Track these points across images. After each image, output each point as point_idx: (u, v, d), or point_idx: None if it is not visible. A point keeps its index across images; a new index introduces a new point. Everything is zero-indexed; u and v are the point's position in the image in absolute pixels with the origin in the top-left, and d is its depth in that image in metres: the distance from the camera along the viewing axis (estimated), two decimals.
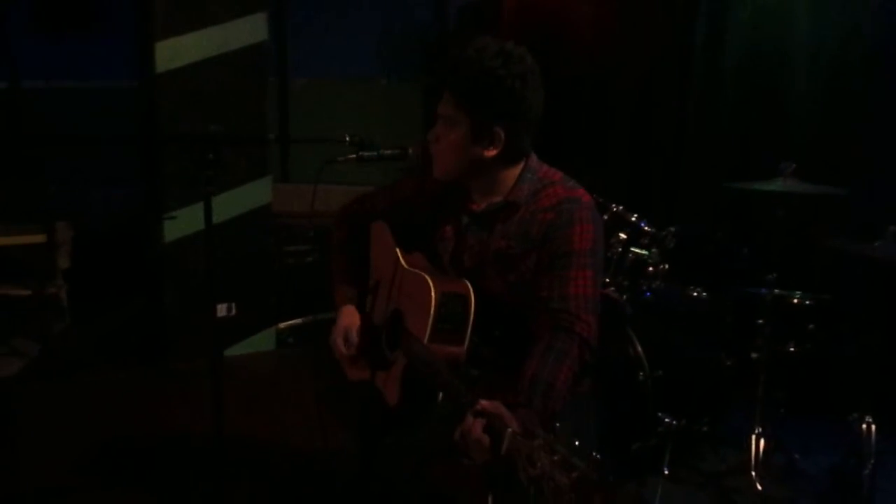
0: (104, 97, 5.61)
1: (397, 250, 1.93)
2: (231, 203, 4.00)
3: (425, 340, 1.68)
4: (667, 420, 2.69)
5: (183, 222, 3.85)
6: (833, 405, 2.85)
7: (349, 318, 1.97)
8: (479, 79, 1.69)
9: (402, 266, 1.89)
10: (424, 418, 1.79)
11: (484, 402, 1.47)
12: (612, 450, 2.69)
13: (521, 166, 1.80)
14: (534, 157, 1.82)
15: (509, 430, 1.38)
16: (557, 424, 1.52)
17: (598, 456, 1.28)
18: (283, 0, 5.48)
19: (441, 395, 1.64)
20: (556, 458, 1.27)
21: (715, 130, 3.76)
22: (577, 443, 1.31)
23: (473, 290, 1.72)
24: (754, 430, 2.76)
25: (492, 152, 1.74)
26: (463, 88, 1.72)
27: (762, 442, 2.74)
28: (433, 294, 1.69)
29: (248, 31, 3.99)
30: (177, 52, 3.83)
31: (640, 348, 2.68)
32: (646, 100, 4.05)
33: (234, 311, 4.04)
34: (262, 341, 4.19)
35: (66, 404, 3.51)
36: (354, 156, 1.85)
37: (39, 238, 4.07)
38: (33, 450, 3.03)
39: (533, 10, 4.63)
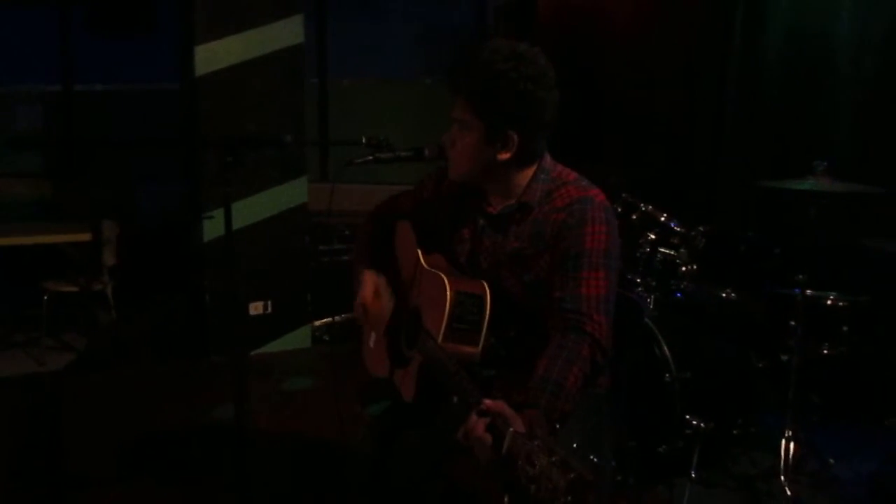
0: (151, 99, 5.79)
1: (418, 250, 1.96)
2: (268, 202, 4.08)
3: (440, 339, 1.69)
4: (695, 422, 2.65)
5: (221, 221, 3.94)
6: (869, 410, 2.76)
7: (374, 277, 1.99)
8: (491, 82, 1.68)
9: (422, 265, 1.91)
10: (442, 415, 1.81)
11: (488, 402, 1.48)
12: (637, 451, 2.67)
13: (534, 168, 1.80)
14: (548, 158, 1.82)
15: (511, 429, 1.40)
16: (558, 426, 1.51)
17: (595, 459, 1.28)
18: (324, 2, 5.56)
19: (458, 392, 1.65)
20: (554, 458, 1.28)
21: (753, 128, 3.69)
22: (575, 445, 1.31)
23: (490, 290, 1.73)
24: (785, 433, 2.70)
25: (505, 155, 1.75)
26: (475, 93, 1.71)
27: (793, 446, 2.67)
28: (448, 293, 1.70)
29: (286, 33, 4.07)
30: (216, 55, 3.93)
31: (666, 349, 2.65)
32: (683, 98, 4.00)
33: (269, 309, 4.12)
34: (297, 339, 4.27)
35: (110, 396, 3.64)
36: (371, 157, 1.87)
37: (86, 236, 4.21)
38: (79, 438, 3.15)
39: (569, 9, 4.62)
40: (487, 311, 1.70)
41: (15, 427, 3.28)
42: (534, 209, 1.77)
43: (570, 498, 1.25)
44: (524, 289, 1.79)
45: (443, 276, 1.76)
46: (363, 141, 1.88)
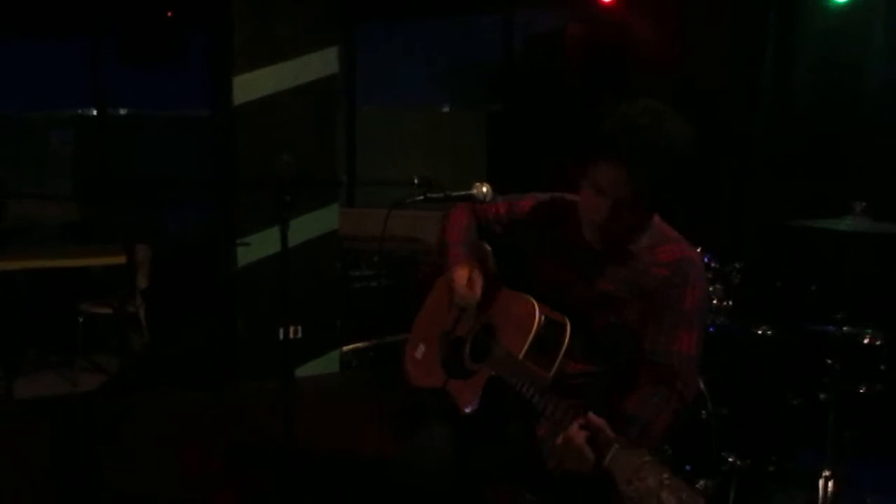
0: (184, 125, 5.90)
1: (496, 273, 2.00)
2: (299, 229, 4.13)
3: (520, 356, 1.76)
4: (731, 459, 2.66)
5: (255, 248, 4.01)
6: None
7: (471, 265, 1.97)
8: (664, 154, 1.61)
9: (502, 286, 1.96)
10: (493, 437, 1.85)
11: (592, 416, 1.53)
12: None
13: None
14: (656, 215, 1.80)
15: (616, 445, 1.44)
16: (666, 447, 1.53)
17: (703, 487, 1.30)
18: (354, 33, 5.67)
19: (536, 408, 1.67)
20: (665, 476, 1.31)
21: (781, 164, 3.71)
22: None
23: (571, 324, 1.78)
24: (823, 471, 2.69)
25: (647, 216, 1.74)
26: (645, 165, 1.61)
27: (831, 484, 2.67)
28: (537, 315, 1.78)
29: (321, 64, 4.16)
30: (253, 85, 4.02)
31: (702, 385, 2.66)
32: (711, 130, 4.02)
33: (300, 334, 4.17)
34: (326, 364, 4.31)
35: (143, 418, 3.68)
36: (422, 197, 1.92)
37: (120, 259, 4.28)
38: (113, 459, 3.19)
39: (596, 39, 4.67)
40: (566, 342, 1.76)
41: (49, 448, 3.33)
42: (637, 258, 1.77)
43: None
44: (608, 328, 1.80)
45: (532, 299, 1.83)
46: (415, 181, 1.93)
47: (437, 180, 1.97)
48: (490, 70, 5.59)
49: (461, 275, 1.97)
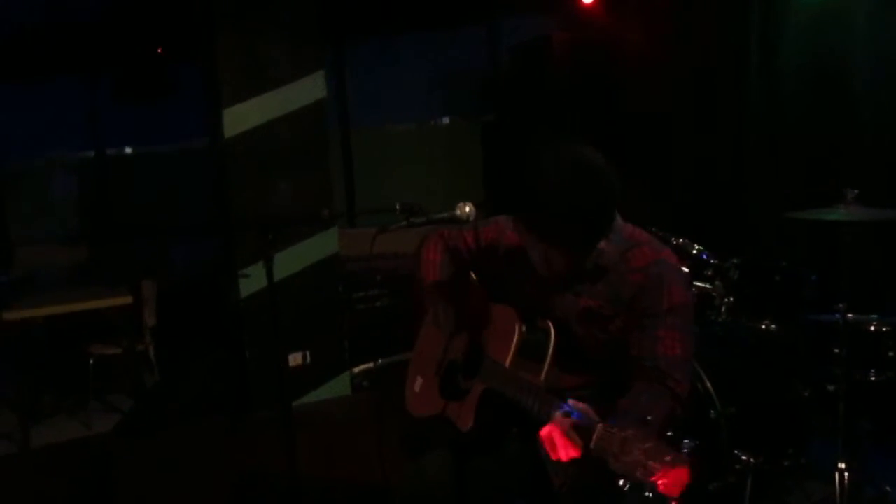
0: (183, 158, 5.94)
1: (481, 290, 2.01)
2: (300, 256, 4.16)
3: (507, 365, 1.77)
4: (744, 457, 2.63)
5: (256, 279, 4.03)
6: None
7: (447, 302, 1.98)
8: (575, 222, 1.65)
9: (487, 302, 1.96)
10: (493, 453, 1.85)
11: (573, 401, 1.55)
12: (688, 489, 2.64)
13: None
14: (618, 219, 1.81)
15: (599, 424, 1.45)
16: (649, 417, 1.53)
17: (690, 443, 1.31)
18: (341, 55, 5.70)
19: (515, 423, 1.68)
20: (647, 445, 1.33)
21: (773, 158, 3.68)
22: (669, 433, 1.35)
23: (555, 330, 1.78)
24: (838, 462, 2.66)
25: (571, 253, 1.75)
26: (561, 236, 1.68)
27: (847, 475, 2.63)
28: (517, 324, 1.80)
29: (308, 90, 4.18)
30: (242, 116, 4.04)
31: (709, 384, 2.64)
32: (701, 130, 4.01)
33: (308, 360, 4.17)
34: (336, 387, 4.31)
35: (159, 456, 3.71)
36: (405, 223, 1.93)
37: (127, 299, 4.31)
38: (132, 500, 3.20)
39: (583, 44, 4.67)
40: (552, 346, 1.77)
41: (67, 493, 3.34)
42: (609, 270, 1.78)
43: (666, 482, 1.29)
44: (595, 343, 1.82)
45: (512, 308, 1.85)
46: (397, 208, 1.93)
47: (418, 205, 1.98)
48: (480, 81, 5.61)
49: (448, 311, 1.99)
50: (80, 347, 4.35)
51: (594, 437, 1.45)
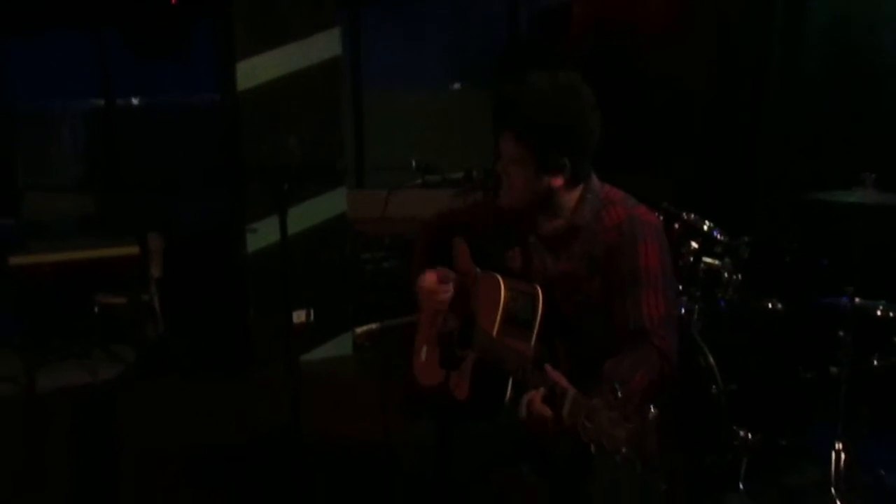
0: (193, 112, 5.90)
1: (472, 261, 2.02)
2: (308, 213, 4.15)
3: (494, 333, 1.78)
4: (742, 434, 2.64)
5: (264, 234, 4.03)
6: None
7: (438, 269, 2.04)
8: (539, 115, 1.72)
9: (477, 271, 1.97)
10: (492, 421, 1.86)
11: (548, 367, 1.57)
12: (685, 464, 2.67)
13: (582, 188, 1.83)
14: (594, 179, 1.85)
15: (570, 392, 1.48)
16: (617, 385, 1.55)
17: (655, 409, 1.33)
18: (357, 13, 5.62)
19: (509, 391, 1.71)
20: (612, 413, 1.35)
21: (791, 135, 3.64)
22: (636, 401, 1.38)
23: (543, 295, 1.79)
24: (836, 444, 2.67)
25: (559, 182, 1.78)
26: (524, 127, 1.75)
27: (843, 457, 2.65)
28: (503, 290, 1.80)
29: (324, 46, 4.13)
30: (256, 70, 4.00)
31: (712, 360, 2.64)
32: (720, 103, 3.96)
33: (312, 318, 4.19)
34: (339, 346, 4.33)
35: (162, 405, 3.74)
36: (420, 181, 1.92)
37: (133, 250, 4.31)
38: (134, 447, 3.24)
39: (603, 14, 4.59)
40: (540, 311, 1.77)
41: (70, 437, 3.39)
42: (583, 230, 1.80)
43: (630, 448, 1.32)
44: (576, 308, 1.82)
45: (497, 275, 1.86)
46: (413, 164, 1.92)
47: (434, 163, 1.97)
48: (497, 48, 5.54)
49: (430, 277, 2.01)
50: (86, 296, 4.37)
51: (565, 408, 1.47)
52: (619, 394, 1.42)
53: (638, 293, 1.71)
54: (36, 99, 5.92)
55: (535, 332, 1.76)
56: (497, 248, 1.97)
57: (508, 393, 1.71)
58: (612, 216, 1.78)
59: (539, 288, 1.80)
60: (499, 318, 1.78)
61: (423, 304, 2.10)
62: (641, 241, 1.73)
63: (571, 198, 1.82)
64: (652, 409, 1.35)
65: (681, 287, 2.95)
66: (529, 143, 1.75)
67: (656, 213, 1.85)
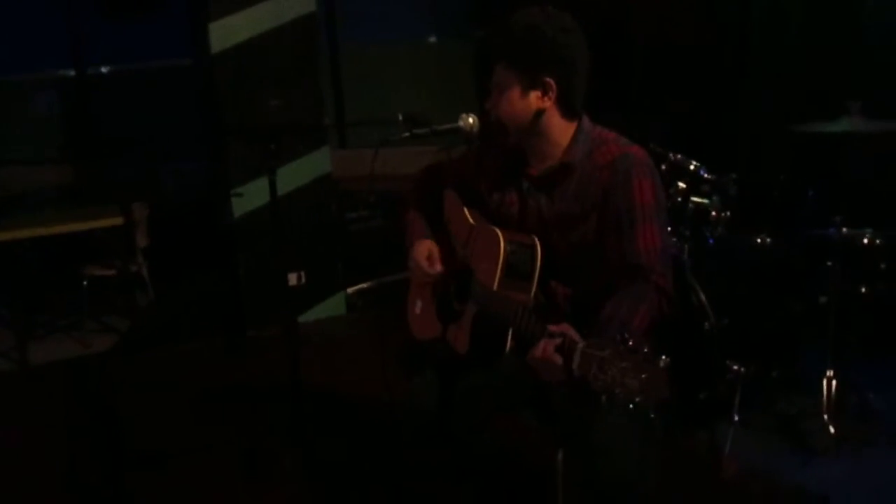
0: (169, 76, 5.78)
1: (467, 214, 2.01)
2: (292, 175, 4.11)
3: (494, 287, 1.78)
4: (735, 367, 2.69)
5: (249, 198, 3.99)
6: None
7: (427, 242, 2.05)
8: (522, 33, 1.76)
9: (472, 225, 1.97)
10: (492, 371, 1.88)
11: (552, 327, 1.58)
12: (679, 398, 2.72)
13: (574, 127, 1.83)
14: (586, 119, 1.85)
15: (579, 344, 1.49)
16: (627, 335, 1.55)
17: (667, 359, 1.36)
18: None
19: (509, 341, 1.73)
20: (624, 364, 1.37)
21: (776, 70, 3.62)
22: (645, 350, 1.40)
23: (540, 243, 1.80)
24: (826, 372, 2.74)
25: (546, 102, 1.78)
26: (508, 47, 1.78)
27: (834, 384, 2.71)
28: (502, 243, 1.80)
29: (298, 2, 4.04)
30: (230, 31, 3.91)
31: (703, 297, 2.68)
32: (706, 39, 3.92)
33: (304, 280, 4.19)
34: (332, 307, 4.34)
35: (157, 374, 3.74)
36: (408, 134, 1.90)
37: (117, 220, 4.26)
38: (127, 417, 3.24)
39: None
40: (539, 261, 1.79)
41: (67, 409, 3.39)
42: (576, 168, 1.80)
43: (643, 397, 1.34)
44: (572, 249, 1.83)
45: (496, 229, 1.85)
46: (399, 118, 1.90)
47: (422, 115, 1.94)
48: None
49: (420, 252, 2.01)
50: (74, 269, 4.33)
51: (575, 360, 1.49)
52: (630, 342, 1.44)
53: (634, 229, 1.73)
54: (5, 71, 5.77)
55: (535, 282, 1.78)
56: (491, 195, 1.96)
57: (509, 343, 1.73)
58: (604, 154, 1.79)
59: (536, 239, 1.81)
60: (499, 271, 1.78)
61: (413, 271, 2.10)
62: (636, 178, 1.74)
63: (564, 136, 1.82)
64: (663, 358, 1.36)
65: (670, 227, 2.97)
66: (515, 63, 1.77)
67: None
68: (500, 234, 1.82)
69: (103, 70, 6.04)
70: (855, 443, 2.67)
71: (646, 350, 1.39)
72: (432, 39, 5.88)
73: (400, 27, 5.78)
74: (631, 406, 1.37)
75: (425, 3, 5.69)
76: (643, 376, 1.34)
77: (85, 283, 4.28)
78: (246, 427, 3.11)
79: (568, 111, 1.81)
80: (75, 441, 3.07)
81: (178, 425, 3.16)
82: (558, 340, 1.56)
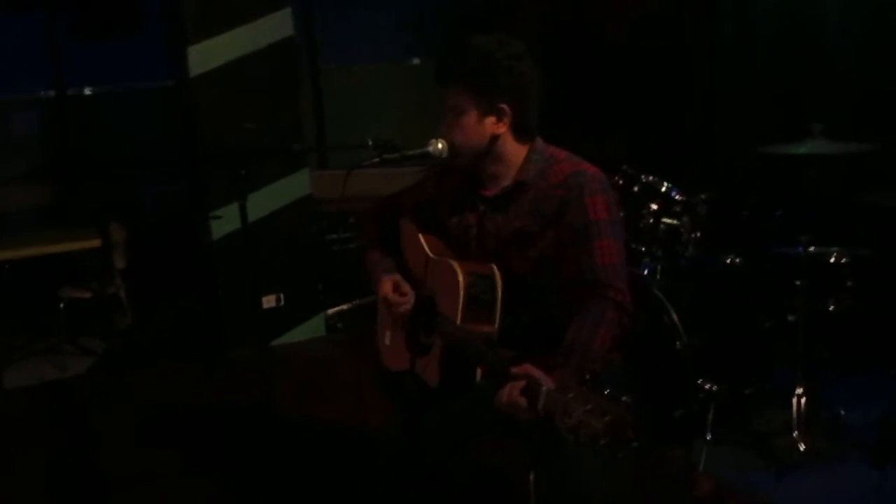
0: (148, 98, 5.78)
1: (423, 244, 2.03)
2: (271, 197, 4.12)
3: (458, 321, 1.79)
4: (707, 385, 2.73)
5: (228, 220, 3.99)
6: (876, 360, 2.84)
7: (392, 277, 2.06)
8: (478, 62, 1.80)
9: (431, 257, 1.98)
10: (465, 397, 1.88)
11: (515, 368, 1.59)
12: (654, 419, 2.75)
13: (527, 148, 1.88)
14: (539, 140, 1.91)
15: (543, 388, 1.50)
16: (588, 377, 1.57)
17: (627, 399, 1.38)
18: None
19: (479, 373, 1.74)
20: (588, 407, 1.38)
21: (744, 97, 3.71)
22: (607, 391, 1.40)
23: (500, 272, 1.81)
24: (797, 389, 2.78)
25: (501, 128, 1.84)
26: (465, 74, 1.82)
27: (805, 400, 2.75)
28: (460, 276, 1.80)
29: (275, 27, 4.07)
30: (209, 54, 3.93)
31: (675, 317, 2.72)
32: (676, 66, 4.01)
33: (282, 302, 4.18)
34: (311, 328, 4.33)
35: (135, 396, 3.72)
36: (378, 160, 1.93)
37: (95, 241, 4.25)
38: (108, 440, 3.23)
39: None
40: (499, 290, 1.79)
41: (44, 434, 3.36)
42: (530, 186, 1.85)
43: (609, 439, 1.34)
44: (532, 266, 1.86)
45: (453, 262, 1.86)
46: (369, 143, 1.93)
47: (390, 141, 1.98)
48: (453, 19, 5.50)
49: (386, 288, 2.02)
50: (50, 291, 4.31)
51: (540, 401, 1.51)
52: (592, 375, 1.47)
53: (591, 245, 1.76)
54: None
55: (498, 312, 1.79)
56: (451, 218, 1.99)
57: (479, 375, 1.75)
58: (557, 173, 1.84)
59: (494, 267, 1.82)
60: (461, 305, 1.78)
61: (381, 310, 2.11)
62: (589, 195, 1.79)
63: (517, 157, 1.87)
64: (623, 399, 1.38)
65: (643, 248, 3.02)
66: (470, 89, 1.81)
67: (607, 167, 1.90)
68: (457, 267, 1.82)
69: (83, 91, 6.03)
70: (826, 458, 2.70)
71: (607, 391, 1.40)
72: (415, 61, 5.93)
73: (382, 49, 5.82)
74: (596, 448, 1.38)
75: (408, 24, 5.74)
76: (607, 419, 1.35)
77: (62, 305, 4.25)
78: (225, 449, 3.10)
79: (522, 135, 1.87)
80: (53, 465, 3.04)
81: (156, 448, 3.14)
82: (522, 383, 1.57)
